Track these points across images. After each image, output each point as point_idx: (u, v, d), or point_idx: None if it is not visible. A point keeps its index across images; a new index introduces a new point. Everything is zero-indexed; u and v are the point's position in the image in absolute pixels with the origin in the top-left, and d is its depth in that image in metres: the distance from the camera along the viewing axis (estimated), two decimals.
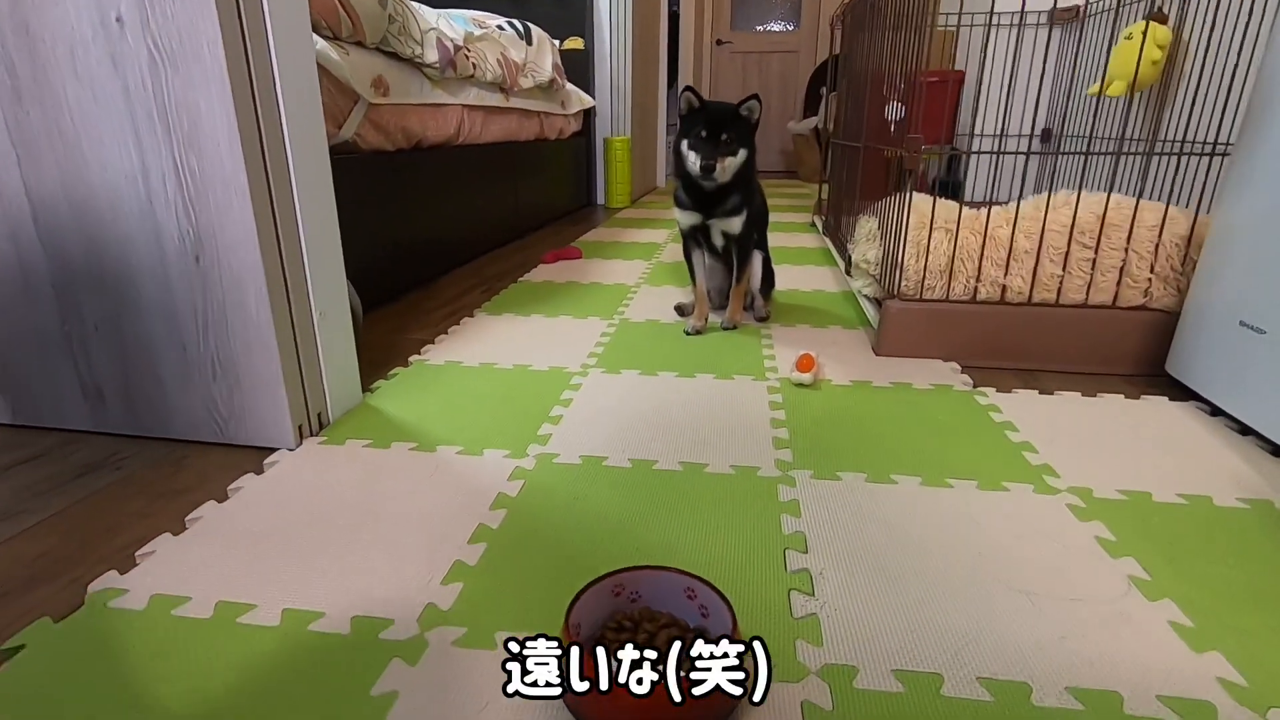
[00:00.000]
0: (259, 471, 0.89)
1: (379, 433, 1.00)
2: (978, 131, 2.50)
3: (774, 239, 2.61)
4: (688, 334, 1.45)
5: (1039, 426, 1.03)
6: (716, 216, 1.41)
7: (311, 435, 0.99)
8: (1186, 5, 1.61)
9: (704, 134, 1.31)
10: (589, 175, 3.54)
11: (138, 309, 0.92)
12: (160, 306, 0.92)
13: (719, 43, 5.61)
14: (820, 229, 2.68)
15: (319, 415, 1.01)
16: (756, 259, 1.52)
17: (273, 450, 0.95)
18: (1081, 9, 2.28)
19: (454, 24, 2.00)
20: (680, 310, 1.60)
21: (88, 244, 0.91)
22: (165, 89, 0.82)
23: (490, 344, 1.39)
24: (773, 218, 3.18)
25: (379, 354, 1.34)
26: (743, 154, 1.34)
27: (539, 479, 0.88)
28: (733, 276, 1.50)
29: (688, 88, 1.35)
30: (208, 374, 0.94)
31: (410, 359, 1.30)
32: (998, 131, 1.64)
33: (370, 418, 1.05)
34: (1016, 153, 1.40)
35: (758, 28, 5.61)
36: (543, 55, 2.63)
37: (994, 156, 1.38)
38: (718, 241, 1.46)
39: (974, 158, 2.52)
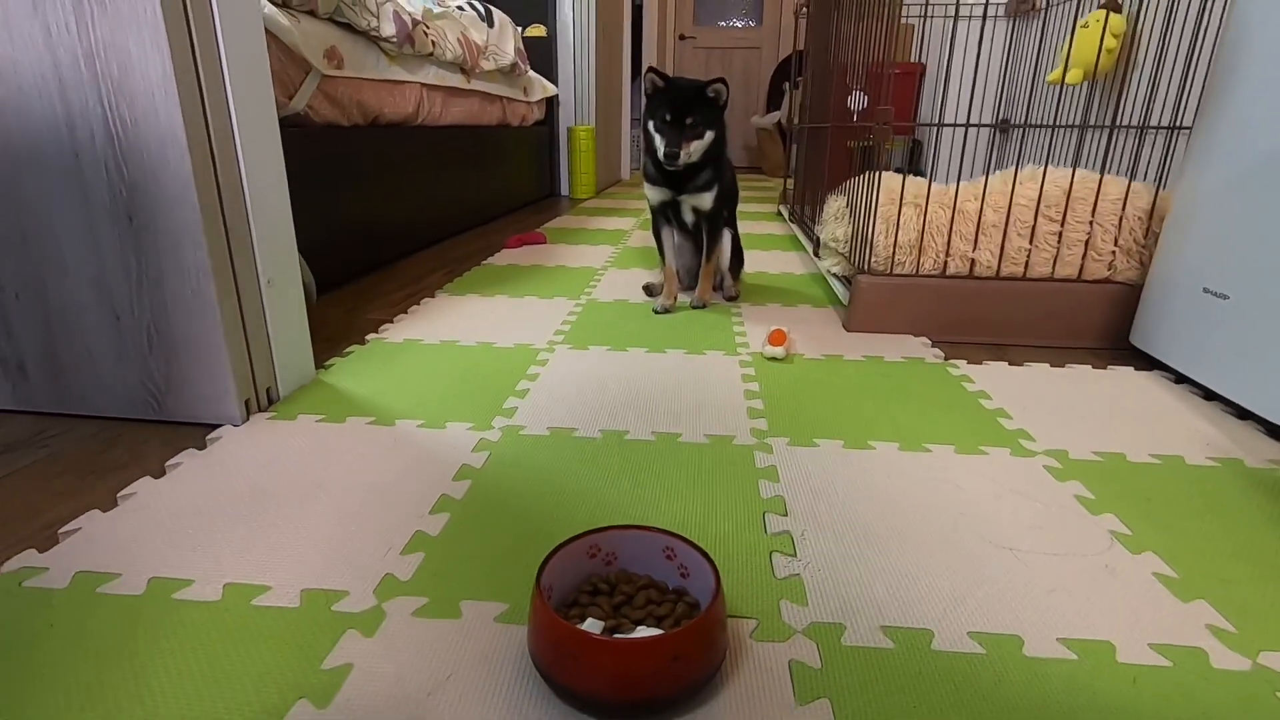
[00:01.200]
0: (201, 447, 0.83)
1: (333, 408, 0.95)
2: (938, 121, 2.53)
3: (741, 227, 2.60)
4: (656, 313, 1.41)
5: (1012, 395, 1.03)
6: (687, 192, 1.38)
7: (260, 411, 0.93)
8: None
9: (668, 117, 1.27)
10: (553, 165, 3.49)
11: (64, 274, 0.85)
12: (89, 271, 0.85)
13: (682, 38, 5.61)
14: (786, 217, 2.68)
15: (268, 390, 0.95)
16: (726, 237, 1.49)
17: (216, 427, 0.89)
18: (1038, 1, 2.32)
19: (412, 1, 1.93)
20: (649, 290, 1.57)
21: (6, 202, 0.83)
22: (91, 30, 0.75)
23: (452, 322, 1.33)
24: (739, 208, 3.18)
25: (335, 332, 1.27)
26: (709, 135, 1.31)
27: (505, 450, 0.84)
28: (702, 255, 1.48)
29: (650, 68, 1.32)
30: (143, 345, 0.87)
31: (368, 337, 1.24)
32: (958, 121, 1.66)
33: (324, 393, 0.99)
34: (982, 125, 1.41)
35: (720, 23, 5.63)
36: (504, 38, 2.57)
37: (958, 143, 1.38)
38: (688, 218, 1.44)
39: (937, 147, 2.56)
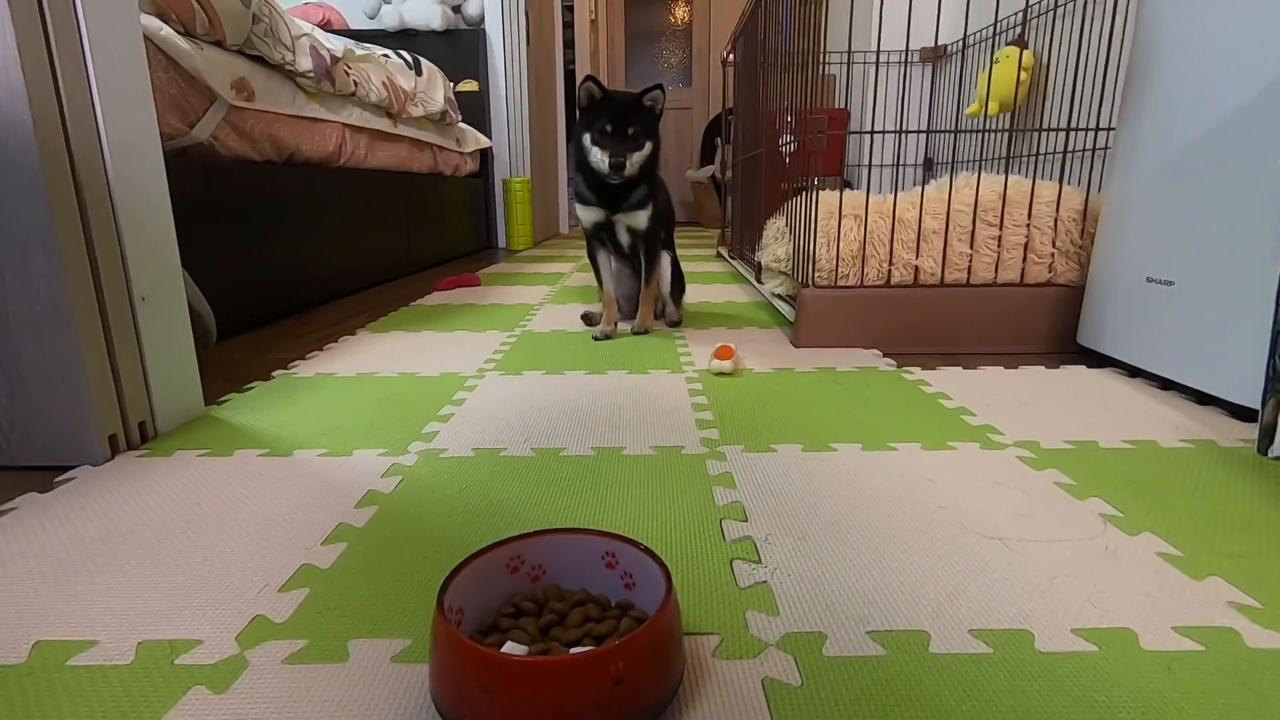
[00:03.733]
0: (45, 490, 0.69)
1: (220, 442, 0.81)
2: (864, 163, 2.60)
3: (684, 267, 2.57)
4: (596, 339, 1.33)
5: (970, 395, 0.98)
6: (622, 211, 1.33)
7: (129, 450, 0.79)
8: (1054, 30, 1.74)
9: (609, 128, 1.22)
10: (488, 217, 3.43)
11: None
12: None
13: None
14: (726, 256, 2.67)
15: (140, 425, 0.81)
16: (665, 260, 1.44)
17: (72, 468, 0.74)
18: (946, 48, 2.44)
19: (332, 39, 1.87)
20: (588, 319, 1.49)
21: None
22: None
23: (371, 357, 1.22)
24: (679, 251, 3.17)
25: (236, 371, 1.14)
26: (649, 147, 1.26)
27: (421, 474, 0.72)
28: (641, 280, 1.41)
29: (589, 77, 1.27)
30: None
31: (274, 373, 1.11)
32: (883, 161, 1.68)
33: (212, 428, 0.86)
34: (909, 132, 1.42)
35: None
36: (434, 87, 2.54)
37: (887, 179, 1.38)
38: (624, 239, 1.38)
39: (868, 183, 2.61)
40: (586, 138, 1.26)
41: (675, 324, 1.47)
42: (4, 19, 0.65)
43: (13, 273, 0.70)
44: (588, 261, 1.47)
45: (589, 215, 1.36)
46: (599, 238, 1.40)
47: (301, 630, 0.47)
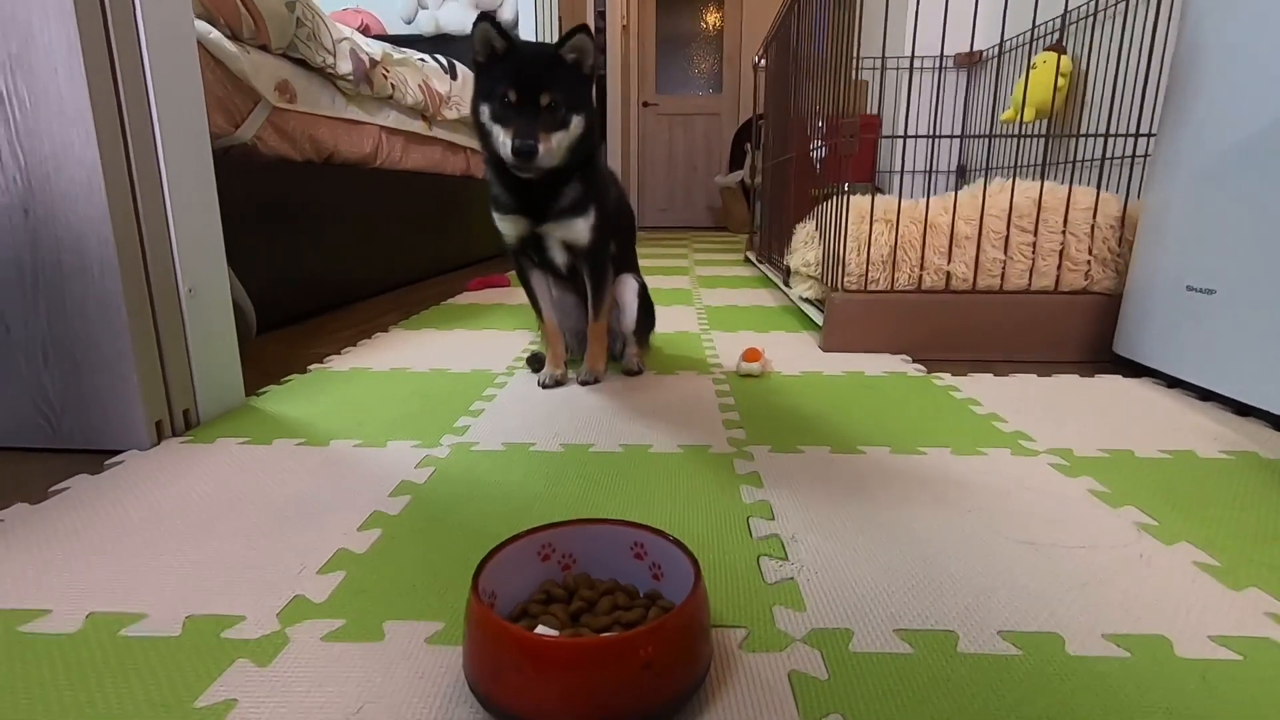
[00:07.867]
0: (96, 472, 0.72)
1: (260, 430, 0.84)
2: (897, 169, 2.58)
3: (709, 272, 2.58)
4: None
5: (1002, 402, 0.96)
6: (550, 220, 0.97)
7: (174, 436, 0.82)
8: (1092, 35, 1.71)
9: (512, 97, 0.86)
10: None
11: None
12: None
13: (645, 105, 5.78)
14: (754, 260, 2.67)
15: (185, 413, 0.84)
16: (630, 287, 1.11)
17: (120, 453, 0.77)
18: (981, 54, 2.41)
19: (370, 43, 1.92)
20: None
21: None
22: None
23: (404, 352, 1.24)
24: (705, 257, 3.17)
25: (273, 365, 1.17)
26: (577, 123, 0.89)
27: (453, 465, 0.74)
28: (590, 311, 1.06)
29: (484, 15, 0.86)
30: (36, 358, 0.76)
31: (310, 367, 1.14)
32: (916, 168, 1.66)
33: (252, 418, 0.89)
34: (942, 136, 1.40)
35: (682, 91, 5.82)
36: (469, 91, 2.58)
37: (919, 186, 1.37)
38: (559, 258, 1.02)
39: (900, 192, 2.59)
40: (485, 110, 0.89)
41: (634, 372, 1.11)
42: (70, 26, 0.68)
43: (70, 262, 0.74)
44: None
45: (509, 227, 1.00)
46: (529, 256, 1.05)
47: (339, 610, 0.48)
